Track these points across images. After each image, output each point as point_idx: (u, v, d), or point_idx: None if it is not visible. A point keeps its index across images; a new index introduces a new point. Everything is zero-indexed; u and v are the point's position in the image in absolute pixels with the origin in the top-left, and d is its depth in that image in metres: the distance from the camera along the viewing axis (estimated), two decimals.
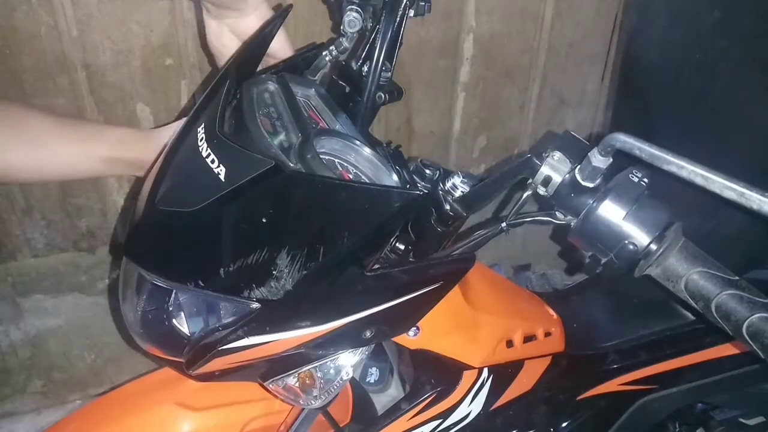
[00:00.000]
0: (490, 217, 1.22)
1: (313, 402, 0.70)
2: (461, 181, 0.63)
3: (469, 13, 1.38)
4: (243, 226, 0.57)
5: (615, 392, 0.94)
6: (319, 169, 0.57)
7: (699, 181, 0.46)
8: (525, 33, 1.46)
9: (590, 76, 1.61)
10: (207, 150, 0.57)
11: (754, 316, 0.47)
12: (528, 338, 0.85)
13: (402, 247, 0.65)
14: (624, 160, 0.52)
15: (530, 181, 0.57)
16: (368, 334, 0.65)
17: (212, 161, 0.56)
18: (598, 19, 1.52)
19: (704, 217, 0.86)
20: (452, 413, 0.80)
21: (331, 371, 0.70)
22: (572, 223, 0.55)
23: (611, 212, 0.52)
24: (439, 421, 0.80)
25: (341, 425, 0.80)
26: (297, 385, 0.70)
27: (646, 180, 0.53)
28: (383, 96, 0.76)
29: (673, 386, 0.95)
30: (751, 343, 0.48)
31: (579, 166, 0.54)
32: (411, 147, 1.51)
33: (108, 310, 1.42)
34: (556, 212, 0.58)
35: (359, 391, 0.94)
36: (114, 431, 0.73)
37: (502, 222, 0.62)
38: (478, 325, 0.80)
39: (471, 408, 0.81)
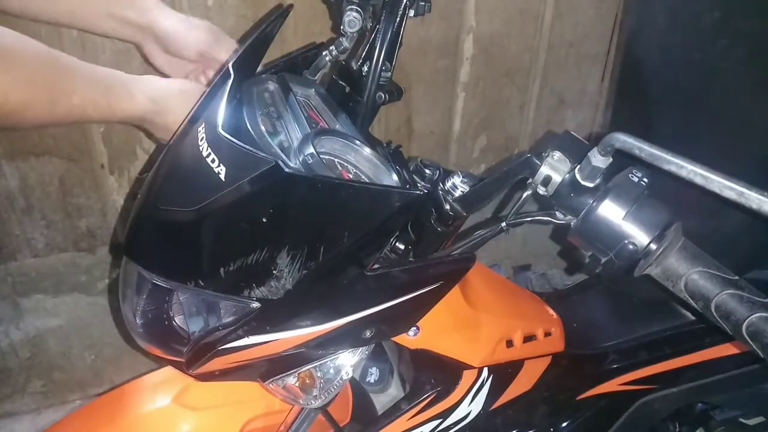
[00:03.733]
0: (490, 217, 1.22)
1: (313, 402, 0.70)
2: (461, 181, 0.63)
3: (469, 13, 1.38)
4: (243, 226, 0.57)
5: (615, 392, 0.94)
6: (319, 169, 0.57)
7: (699, 181, 0.46)
8: (525, 33, 1.46)
9: (590, 76, 1.61)
10: (207, 149, 0.57)
11: (753, 316, 0.47)
12: (528, 338, 0.85)
13: (402, 247, 0.65)
14: (624, 160, 0.52)
15: (530, 180, 0.57)
16: (368, 333, 0.65)
17: (212, 160, 0.56)
18: (598, 19, 1.52)
19: (704, 217, 0.86)
20: (452, 413, 0.80)
21: (331, 371, 0.70)
22: (572, 223, 0.55)
23: (611, 212, 0.52)
24: (439, 420, 0.80)
25: (341, 425, 0.80)
26: (297, 384, 0.70)
27: (645, 180, 0.53)
28: (383, 96, 0.76)
29: (673, 386, 0.95)
30: (750, 342, 0.48)
31: (579, 166, 0.54)
32: (411, 147, 1.51)
33: (108, 310, 1.42)
34: (556, 212, 0.58)
35: (359, 391, 0.94)
36: (114, 431, 0.73)
37: (502, 222, 0.62)
38: (478, 325, 0.80)
39: (471, 408, 0.81)
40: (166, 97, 0.71)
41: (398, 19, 0.75)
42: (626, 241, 0.51)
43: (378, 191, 0.58)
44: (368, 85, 0.73)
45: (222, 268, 0.57)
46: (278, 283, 0.56)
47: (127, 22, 0.81)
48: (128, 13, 0.80)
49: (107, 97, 0.66)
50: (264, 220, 0.55)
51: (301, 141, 0.60)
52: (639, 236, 0.51)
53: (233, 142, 0.55)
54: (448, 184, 0.63)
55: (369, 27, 0.78)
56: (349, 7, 0.75)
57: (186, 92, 0.73)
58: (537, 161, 0.56)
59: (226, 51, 0.83)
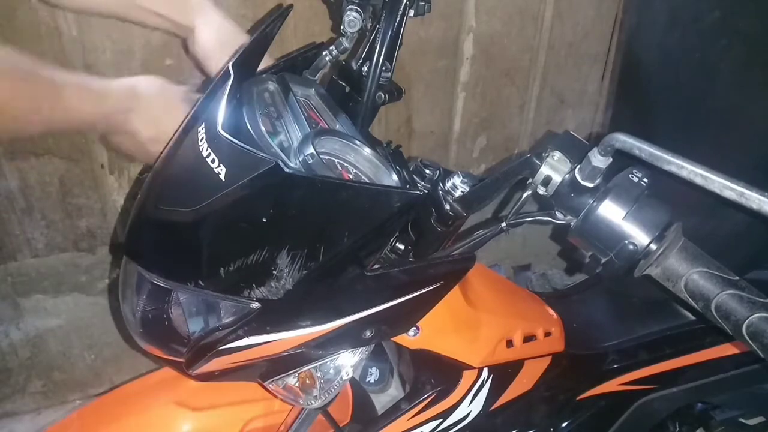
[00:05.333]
0: (490, 217, 1.22)
1: (313, 402, 0.70)
2: (461, 181, 0.63)
3: (469, 13, 1.38)
4: (243, 226, 0.57)
5: (615, 392, 0.94)
6: (319, 169, 0.57)
7: (699, 181, 0.46)
8: (525, 33, 1.46)
9: (590, 76, 1.61)
10: (207, 149, 0.57)
11: (753, 316, 0.47)
12: (528, 338, 0.85)
13: (402, 247, 0.65)
14: (624, 160, 0.52)
15: (530, 181, 0.57)
16: (368, 334, 0.65)
17: (212, 161, 0.56)
18: (598, 19, 1.52)
19: (704, 217, 0.86)
20: (452, 413, 0.80)
21: (331, 371, 0.70)
22: (572, 223, 0.55)
23: (611, 212, 0.52)
24: (439, 420, 0.80)
25: (341, 425, 0.80)
26: (297, 385, 0.70)
27: (646, 180, 0.53)
28: (383, 96, 0.76)
29: (673, 386, 0.95)
30: (750, 343, 0.48)
31: (579, 166, 0.54)
32: (411, 147, 1.51)
33: (108, 310, 1.42)
34: (556, 212, 0.58)
35: (359, 391, 0.94)
36: (114, 431, 0.73)
37: (502, 222, 0.62)
38: (478, 325, 0.80)
39: (471, 408, 0.81)
40: (144, 94, 0.74)
41: (398, 19, 0.74)
42: (626, 242, 0.51)
43: (378, 191, 0.58)
44: (368, 85, 0.73)
45: (222, 269, 0.57)
46: (278, 284, 0.56)
47: (173, 23, 0.83)
48: (176, 17, 0.82)
49: (89, 99, 0.69)
50: (264, 220, 0.55)
51: (301, 141, 0.60)
52: (639, 236, 0.51)
53: (233, 142, 0.55)
54: (448, 184, 0.63)
55: (369, 27, 0.78)
56: (349, 7, 0.75)
57: (165, 91, 0.75)
58: (537, 161, 0.56)
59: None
